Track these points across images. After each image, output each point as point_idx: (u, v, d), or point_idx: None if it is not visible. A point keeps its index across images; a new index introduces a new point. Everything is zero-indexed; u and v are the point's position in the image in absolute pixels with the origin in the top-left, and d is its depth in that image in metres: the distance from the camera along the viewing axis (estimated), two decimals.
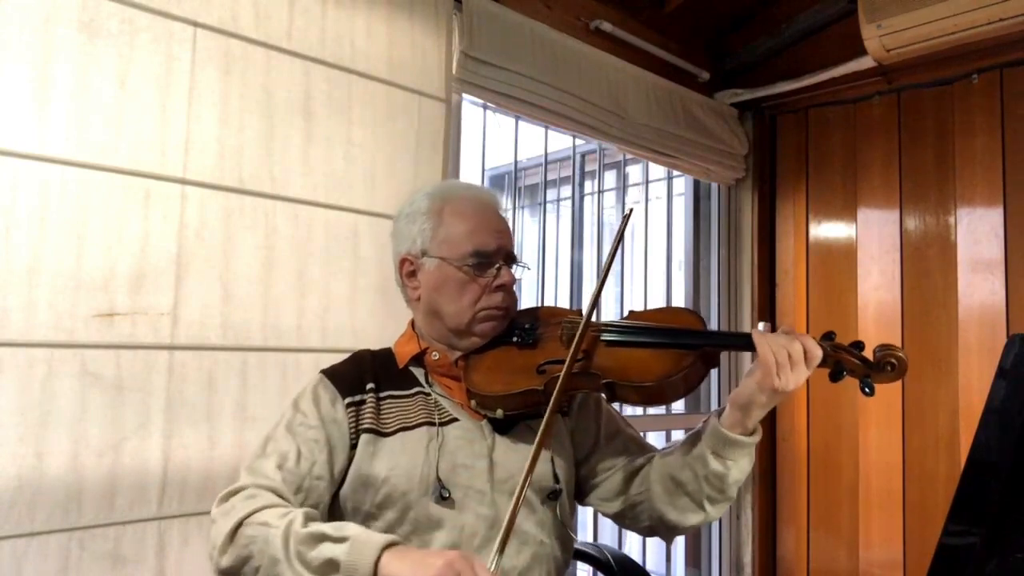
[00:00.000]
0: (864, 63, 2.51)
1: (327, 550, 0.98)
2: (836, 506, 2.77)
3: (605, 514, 1.35)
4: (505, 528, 0.99)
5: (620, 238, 1.32)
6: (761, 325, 2.92)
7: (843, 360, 1.13)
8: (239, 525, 1.04)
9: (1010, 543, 0.88)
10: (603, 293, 2.62)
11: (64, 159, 1.42)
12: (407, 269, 1.30)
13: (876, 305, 2.69)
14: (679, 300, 3.02)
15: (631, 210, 1.37)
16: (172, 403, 1.51)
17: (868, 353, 1.14)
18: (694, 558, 2.95)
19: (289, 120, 1.71)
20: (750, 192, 3.02)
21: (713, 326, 2.99)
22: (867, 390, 1.12)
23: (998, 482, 0.88)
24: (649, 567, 2.68)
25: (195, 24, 1.58)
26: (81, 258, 1.42)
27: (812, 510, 2.84)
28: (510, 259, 1.29)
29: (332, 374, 1.26)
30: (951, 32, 2.22)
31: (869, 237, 2.75)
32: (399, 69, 1.91)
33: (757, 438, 1.16)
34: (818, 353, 1.10)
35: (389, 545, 0.97)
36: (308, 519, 1.04)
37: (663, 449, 1.30)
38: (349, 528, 1.02)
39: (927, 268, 2.59)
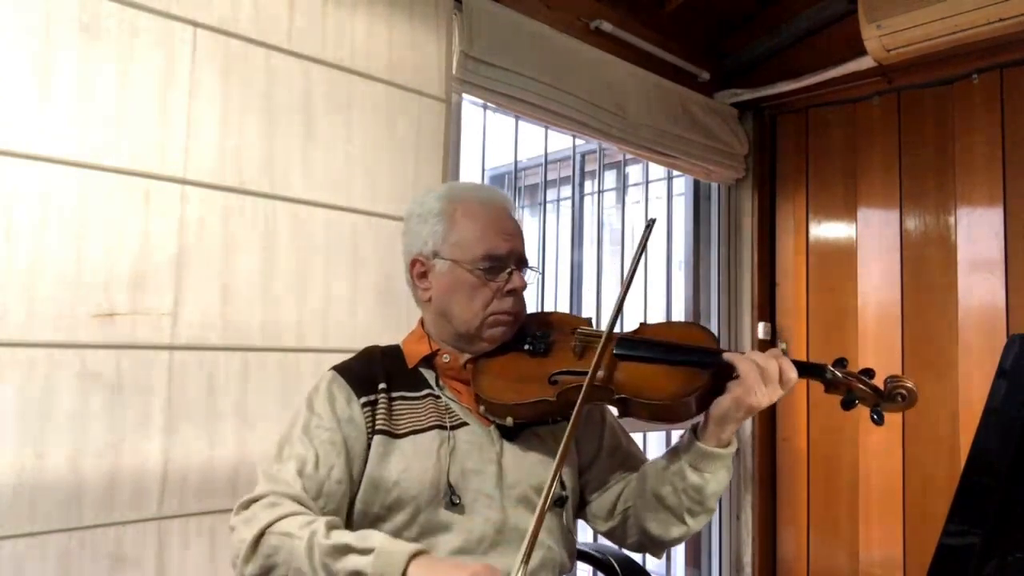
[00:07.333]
0: (864, 63, 2.51)
1: (352, 562, 0.97)
2: (836, 506, 2.77)
3: (598, 531, 1.36)
4: (529, 541, 0.98)
5: (643, 248, 1.29)
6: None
7: (854, 388, 1.18)
8: (262, 534, 1.03)
9: (1010, 543, 0.88)
10: (603, 295, 2.62)
11: (64, 159, 1.42)
12: (418, 270, 1.28)
13: (876, 305, 2.69)
14: (679, 300, 3.01)
15: (654, 220, 1.34)
16: (172, 403, 1.51)
17: (879, 381, 1.18)
18: (694, 558, 2.95)
19: (289, 120, 1.71)
20: (750, 192, 3.02)
21: (713, 326, 2.99)
22: (876, 418, 1.16)
23: (998, 482, 0.88)
24: (649, 567, 2.67)
25: (195, 24, 1.58)
26: (81, 258, 1.42)
27: (812, 511, 2.84)
28: (521, 263, 1.27)
29: (345, 371, 1.24)
30: (951, 32, 2.22)
31: (869, 237, 2.75)
32: (399, 69, 1.91)
33: (732, 449, 1.20)
34: (793, 376, 1.15)
35: (415, 555, 0.97)
36: (330, 528, 1.02)
37: (646, 464, 1.31)
38: (373, 538, 1.00)
39: (927, 268, 2.59)
